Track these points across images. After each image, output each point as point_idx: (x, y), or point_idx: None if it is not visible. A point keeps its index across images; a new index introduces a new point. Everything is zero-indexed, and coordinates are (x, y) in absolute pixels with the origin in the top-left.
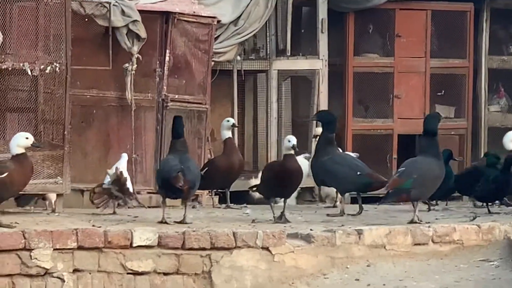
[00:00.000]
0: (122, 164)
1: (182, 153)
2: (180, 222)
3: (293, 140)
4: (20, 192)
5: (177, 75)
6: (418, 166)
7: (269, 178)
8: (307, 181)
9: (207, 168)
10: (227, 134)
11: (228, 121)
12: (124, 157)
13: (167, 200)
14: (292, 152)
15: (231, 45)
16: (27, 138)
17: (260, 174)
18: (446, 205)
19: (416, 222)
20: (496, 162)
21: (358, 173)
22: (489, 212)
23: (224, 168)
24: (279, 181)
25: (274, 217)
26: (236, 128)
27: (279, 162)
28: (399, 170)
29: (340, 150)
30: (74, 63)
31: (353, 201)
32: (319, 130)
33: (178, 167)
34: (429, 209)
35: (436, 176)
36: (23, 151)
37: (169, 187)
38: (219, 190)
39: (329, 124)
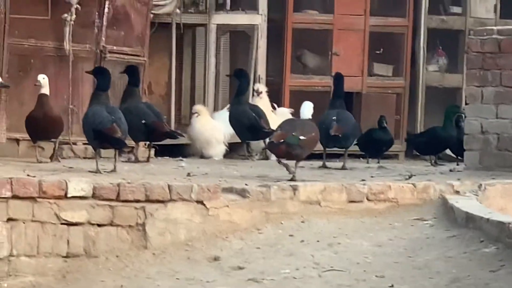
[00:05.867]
0: None
1: (107, 104)
2: (111, 172)
3: None
4: None
5: (116, 27)
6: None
7: None
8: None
9: None
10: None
11: None
12: None
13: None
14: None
15: None
16: None
17: None
18: (378, 162)
19: None
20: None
21: (143, 121)
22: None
23: None
24: None
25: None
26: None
27: None
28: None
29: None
30: (12, 11)
31: None
32: (262, 87)
33: (111, 118)
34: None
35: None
36: None
37: (105, 138)
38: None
39: (133, 77)
